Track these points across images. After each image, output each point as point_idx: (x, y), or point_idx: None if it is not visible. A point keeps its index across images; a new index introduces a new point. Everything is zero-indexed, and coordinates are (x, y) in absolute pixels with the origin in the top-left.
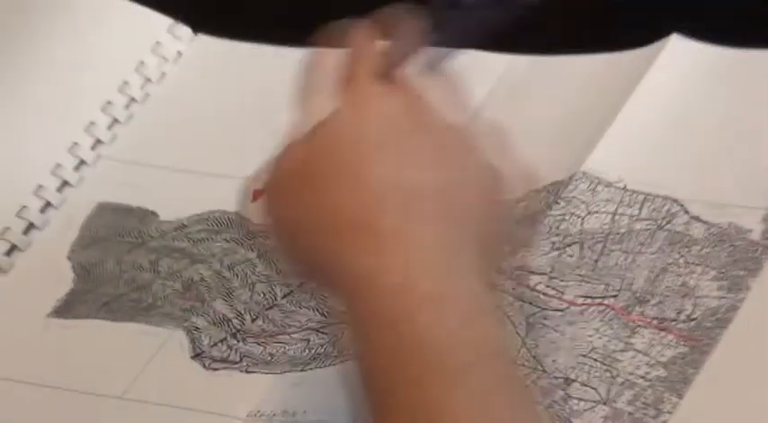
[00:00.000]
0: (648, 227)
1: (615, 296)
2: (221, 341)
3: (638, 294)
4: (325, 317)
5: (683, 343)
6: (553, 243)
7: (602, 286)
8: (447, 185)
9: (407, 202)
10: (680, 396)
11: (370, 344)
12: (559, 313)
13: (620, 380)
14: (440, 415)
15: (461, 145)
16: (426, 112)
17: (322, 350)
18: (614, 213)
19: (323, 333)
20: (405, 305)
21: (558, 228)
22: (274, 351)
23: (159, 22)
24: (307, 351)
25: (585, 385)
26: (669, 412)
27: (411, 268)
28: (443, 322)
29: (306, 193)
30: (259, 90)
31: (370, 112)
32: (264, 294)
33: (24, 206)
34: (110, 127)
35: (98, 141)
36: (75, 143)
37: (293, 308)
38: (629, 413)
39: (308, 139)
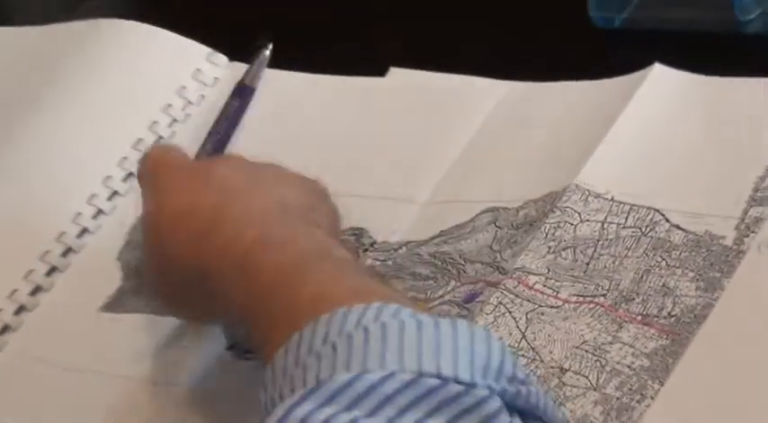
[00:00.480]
0: (633, 234)
1: (604, 295)
2: None
3: (624, 293)
4: None
5: (664, 336)
6: (549, 247)
7: (593, 286)
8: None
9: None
10: (661, 383)
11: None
12: (555, 310)
13: (608, 369)
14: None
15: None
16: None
17: None
18: (603, 222)
19: None
20: (245, 249)
21: (553, 234)
22: None
23: (199, 52)
24: None
25: (578, 374)
26: (652, 397)
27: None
28: (273, 246)
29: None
30: (284, 111)
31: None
32: None
33: (79, 213)
34: (156, 142)
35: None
36: (125, 157)
37: None
38: (617, 398)
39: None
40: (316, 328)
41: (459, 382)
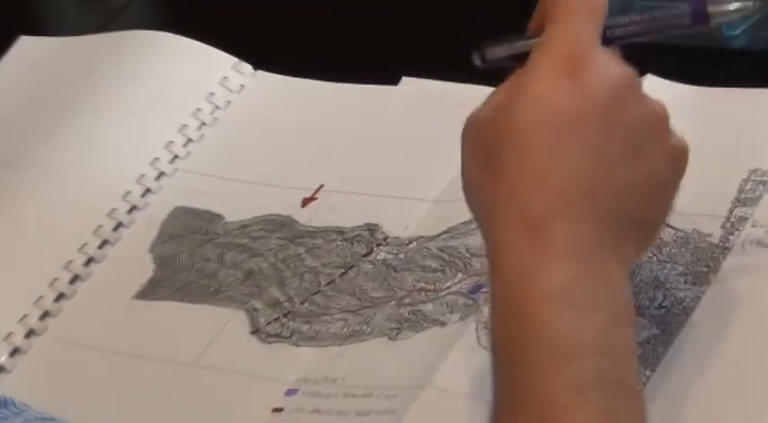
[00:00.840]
0: None
1: None
2: (275, 320)
3: None
4: (360, 301)
5: (655, 326)
6: None
7: None
8: (634, 190)
9: (579, 201)
10: (653, 370)
11: (501, 314)
12: None
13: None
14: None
15: (656, 136)
16: (635, 95)
17: (357, 328)
18: None
19: (358, 314)
20: (540, 295)
21: None
22: (318, 328)
23: (226, 61)
24: (345, 329)
25: None
26: (644, 383)
27: (557, 271)
28: (560, 319)
29: (485, 166)
30: (305, 116)
31: (588, 90)
32: (311, 283)
33: (114, 208)
34: (185, 145)
35: (175, 157)
36: (157, 158)
37: (334, 294)
38: None
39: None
40: None
41: None
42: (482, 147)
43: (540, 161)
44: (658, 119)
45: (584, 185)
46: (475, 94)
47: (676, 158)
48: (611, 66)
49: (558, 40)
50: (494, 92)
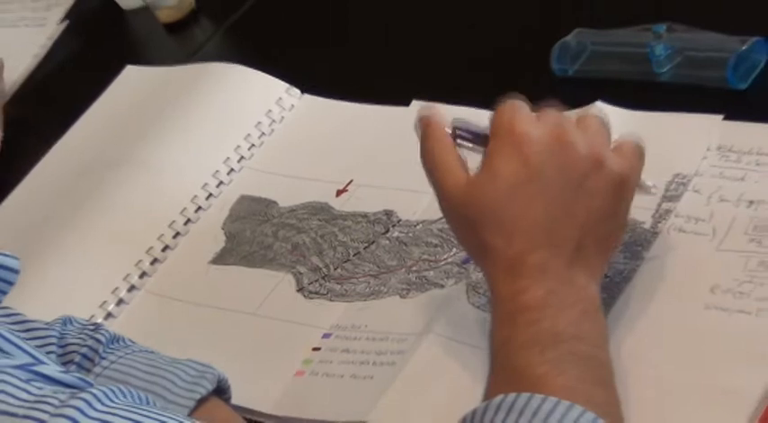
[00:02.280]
0: None
1: None
2: (315, 281)
3: None
4: (379, 268)
5: (601, 291)
6: None
7: None
8: (575, 220)
9: (542, 239)
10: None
11: (497, 322)
12: None
13: None
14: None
15: (590, 173)
16: (564, 147)
17: (377, 288)
18: None
19: (378, 278)
20: (523, 306)
21: None
22: (348, 288)
23: (280, 86)
24: (368, 289)
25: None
26: None
27: (534, 287)
28: (540, 320)
29: (473, 219)
30: (339, 129)
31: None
32: (342, 253)
33: (195, 195)
34: (249, 149)
35: (241, 158)
36: (228, 158)
37: (359, 262)
38: None
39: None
40: (530, 402)
41: None
42: (464, 218)
43: (506, 219)
44: (589, 159)
45: (541, 227)
46: (466, 113)
47: (618, 184)
48: (541, 132)
49: (502, 132)
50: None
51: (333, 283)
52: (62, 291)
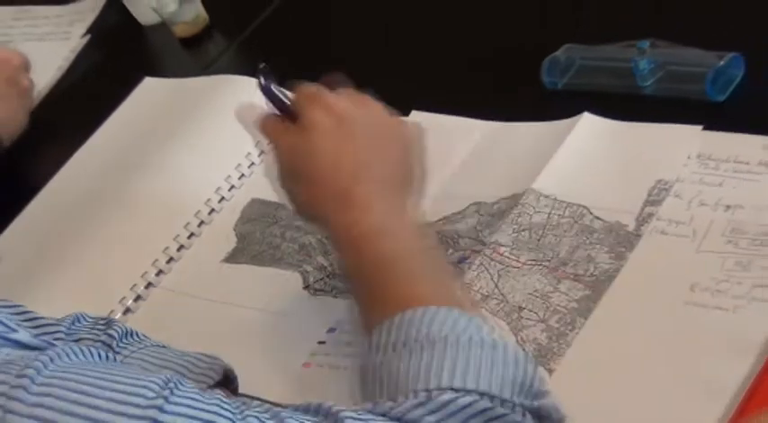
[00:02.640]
0: (569, 221)
1: (549, 260)
2: (320, 279)
3: (562, 259)
4: None
5: (588, 289)
6: (513, 229)
7: (542, 255)
8: (383, 160)
9: (362, 174)
10: (585, 319)
11: (347, 258)
12: (517, 269)
13: (551, 309)
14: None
15: (389, 133)
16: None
17: None
18: (549, 213)
19: None
20: (361, 234)
21: (516, 220)
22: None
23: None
24: None
25: (531, 311)
26: (579, 328)
27: (366, 217)
28: (382, 238)
29: (303, 170)
30: None
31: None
32: None
33: (209, 199)
34: (259, 155)
35: (252, 163)
36: (239, 164)
37: None
38: (557, 328)
39: (304, 136)
40: (408, 318)
41: (503, 401)
42: (294, 165)
43: (329, 160)
44: (388, 123)
45: (361, 165)
46: (461, 123)
47: (407, 143)
48: (343, 97)
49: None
50: (286, 132)
51: (337, 281)
52: (84, 286)
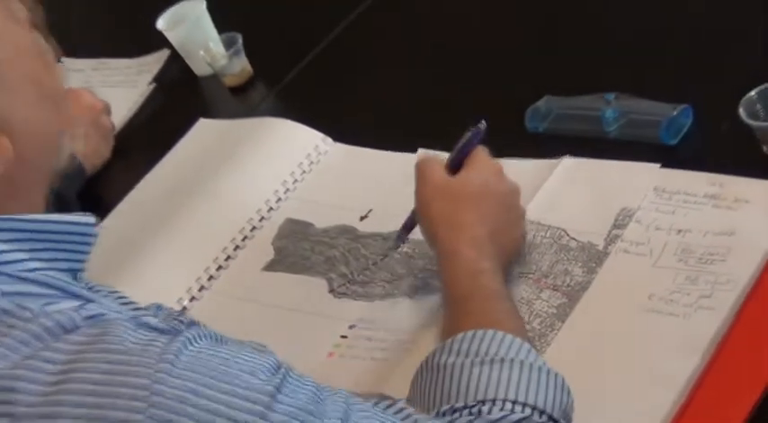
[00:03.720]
0: (549, 241)
1: (533, 273)
2: (343, 284)
3: (544, 272)
4: (392, 275)
5: (565, 297)
6: None
7: (527, 268)
8: (496, 214)
9: (472, 221)
10: (563, 322)
11: (449, 278)
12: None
13: (534, 313)
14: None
15: (512, 201)
16: (486, 181)
17: (390, 291)
18: (534, 235)
19: (391, 283)
20: (463, 267)
21: None
22: (368, 290)
23: (317, 135)
24: (383, 291)
25: None
26: (558, 329)
27: (472, 251)
28: (476, 278)
29: (439, 207)
30: (362, 169)
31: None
32: (363, 264)
33: (251, 218)
34: (293, 183)
35: (287, 190)
36: (276, 190)
37: (377, 270)
38: (539, 329)
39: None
40: (482, 336)
41: (550, 416)
42: (447, 197)
43: (480, 207)
44: (512, 192)
45: (490, 229)
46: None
47: (521, 214)
48: (488, 171)
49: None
50: (433, 177)
51: (356, 287)
52: (150, 288)
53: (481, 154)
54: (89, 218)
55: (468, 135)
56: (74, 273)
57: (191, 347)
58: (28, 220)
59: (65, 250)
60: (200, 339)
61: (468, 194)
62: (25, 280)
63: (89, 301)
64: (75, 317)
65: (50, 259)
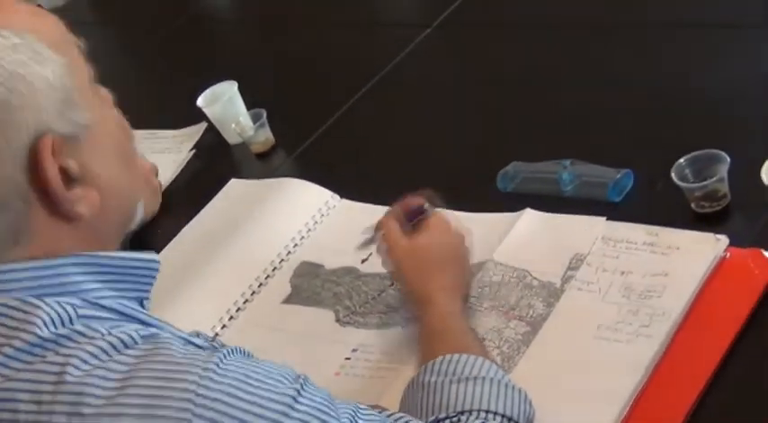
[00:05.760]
0: (515, 280)
1: (503, 307)
2: (347, 315)
3: (512, 305)
4: (387, 308)
5: (529, 327)
6: (479, 284)
7: (497, 303)
8: (453, 266)
9: (437, 275)
10: (527, 346)
11: (425, 319)
12: (480, 312)
13: (503, 339)
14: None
15: (455, 250)
16: (438, 237)
17: (386, 321)
18: (503, 275)
19: (387, 315)
20: (437, 311)
21: (481, 279)
22: (368, 320)
23: (327, 193)
24: (380, 321)
25: (490, 340)
26: (523, 352)
27: (441, 298)
28: (446, 319)
29: (410, 265)
30: (364, 221)
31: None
32: (364, 298)
33: (273, 260)
34: (306, 232)
35: (302, 237)
36: (293, 237)
37: (375, 304)
38: (507, 352)
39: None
40: (458, 359)
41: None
42: (416, 261)
43: (445, 265)
44: (462, 244)
45: (459, 277)
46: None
47: (467, 256)
48: (445, 235)
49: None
50: (400, 240)
51: (358, 317)
52: (190, 318)
53: (436, 219)
54: (154, 256)
55: (416, 199)
56: (140, 300)
57: (227, 360)
58: (106, 256)
59: (134, 282)
60: (234, 353)
61: (431, 256)
62: (98, 305)
63: (149, 325)
64: (135, 335)
65: (122, 289)
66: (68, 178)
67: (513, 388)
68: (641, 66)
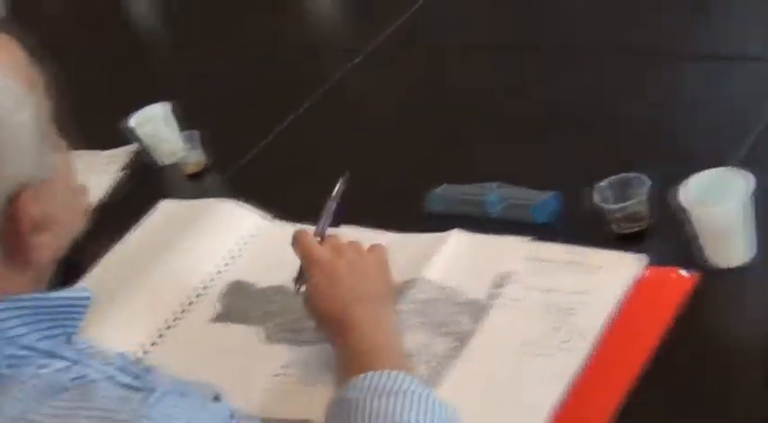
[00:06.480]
0: (444, 297)
1: (431, 322)
2: (277, 333)
3: (440, 322)
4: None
5: (457, 342)
6: (409, 301)
7: (425, 319)
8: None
9: (356, 297)
10: (456, 358)
11: (347, 351)
12: (408, 329)
13: (432, 353)
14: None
15: (381, 267)
16: (353, 253)
17: (316, 339)
18: (431, 292)
19: (316, 332)
20: (373, 335)
21: (413, 297)
22: (298, 338)
23: (258, 213)
24: (311, 338)
25: (417, 356)
26: (451, 367)
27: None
28: (372, 339)
29: (324, 290)
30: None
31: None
32: (294, 316)
33: (203, 279)
34: (239, 250)
35: (233, 256)
36: (223, 257)
37: (305, 322)
38: (435, 367)
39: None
40: (380, 375)
41: None
42: (325, 305)
43: (345, 290)
44: (379, 261)
45: (370, 298)
46: (380, 237)
47: (385, 267)
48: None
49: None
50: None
51: (288, 334)
52: (117, 336)
53: (334, 240)
54: (85, 292)
55: (329, 205)
56: (68, 336)
57: (160, 404)
58: (33, 298)
59: (63, 319)
60: (168, 395)
61: (343, 273)
62: (24, 346)
63: (75, 362)
64: (64, 379)
65: (49, 328)
66: (33, 226)
67: (435, 400)
68: (571, 91)
